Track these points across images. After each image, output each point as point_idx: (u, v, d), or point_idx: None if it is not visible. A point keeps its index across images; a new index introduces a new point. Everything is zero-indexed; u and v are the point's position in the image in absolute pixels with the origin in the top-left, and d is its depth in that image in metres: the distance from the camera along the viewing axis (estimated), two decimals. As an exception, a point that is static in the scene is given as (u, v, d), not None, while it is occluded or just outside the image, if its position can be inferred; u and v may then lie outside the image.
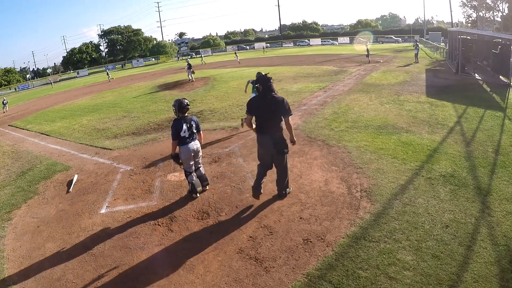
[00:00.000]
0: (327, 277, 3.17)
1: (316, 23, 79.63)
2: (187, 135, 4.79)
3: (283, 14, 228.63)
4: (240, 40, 79.07)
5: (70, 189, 5.96)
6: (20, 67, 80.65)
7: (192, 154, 4.90)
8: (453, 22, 37.96)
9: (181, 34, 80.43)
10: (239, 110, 10.86)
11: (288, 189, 4.80)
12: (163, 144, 7.99)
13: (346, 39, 57.70)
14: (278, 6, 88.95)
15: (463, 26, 47.26)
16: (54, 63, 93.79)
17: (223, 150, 7.01)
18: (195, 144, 4.91)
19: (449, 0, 59.30)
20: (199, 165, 5.13)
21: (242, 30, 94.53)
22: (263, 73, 4.53)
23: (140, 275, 3.52)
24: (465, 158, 5.46)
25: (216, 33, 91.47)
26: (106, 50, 71.66)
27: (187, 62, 21.28)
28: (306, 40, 60.93)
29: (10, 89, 53.09)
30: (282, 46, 61.12)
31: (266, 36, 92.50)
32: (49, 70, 79.12)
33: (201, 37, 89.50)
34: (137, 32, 70.00)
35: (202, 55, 43.56)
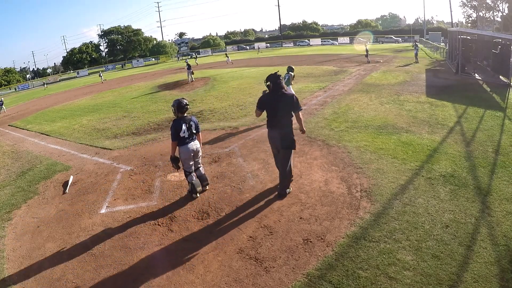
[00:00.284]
0: (327, 277, 3.17)
1: (316, 23, 79.69)
2: (186, 135, 4.78)
3: (283, 14, 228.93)
4: (240, 40, 79.10)
5: (67, 190, 5.95)
6: (20, 67, 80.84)
7: (192, 154, 4.90)
8: (453, 22, 37.99)
9: (181, 34, 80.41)
10: (239, 110, 10.86)
11: (288, 190, 4.82)
12: (163, 144, 7.99)
13: (346, 39, 57.70)
14: (278, 6, 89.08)
15: (463, 26, 47.27)
16: (54, 63, 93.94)
17: (223, 150, 7.01)
18: (194, 145, 4.90)
19: (449, 0, 59.35)
20: (199, 165, 5.13)
21: (242, 30, 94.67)
22: (276, 72, 4.71)
23: (140, 275, 3.52)
24: (465, 158, 5.46)
25: (216, 33, 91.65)
26: (106, 50, 71.74)
27: (186, 62, 21.12)
28: (306, 40, 60.95)
29: (10, 89, 53.09)
30: (282, 46, 61.12)
31: (266, 36, 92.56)
32: (49, 70, 79.20)
33: (201, 37, 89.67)
34: (137, 32, 70.04)
35: (196, 56, 43.42)
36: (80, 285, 3.48)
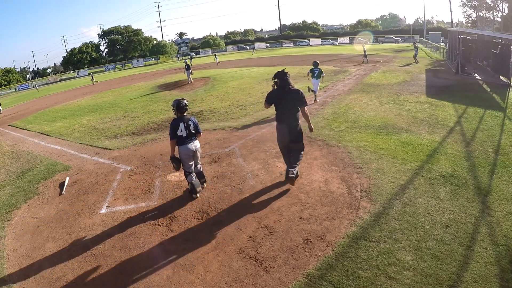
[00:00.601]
0: (327, 277, 3.17)
1: (316, 23, 79.67)
2: (184, 135, 4.78)
3: (283, 14, 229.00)
4: (240, 40, 79.08)
5: (63, 191, 5.95)
6: (20, 67, 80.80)
7: (191, 154, 4.91)
8: (453, 22, 37.96)
9: (181, 34, 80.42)
10: (239, 110, 10.86)
11: (297, 170, 4.87)
12: (163, 144, 7.99)
13: (346, 39, 57.69)
14: (278, 6, 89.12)
15: (463, 26, 47.28)
16: (54, 63, 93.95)
17: (223, 150, 7.01)
18: (193, 145, 4.91)
19: (449, 0, 59.30)
20: (198, 164, 5.16)
21: (242, 30, 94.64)
22: (283, 69, 4.94)
23: (140, 275, 3.52)
24: (465, 158, 5.46)
25: (216, 33, 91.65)
26: (106, 50, 71.72)
27: (185, 63, 20.68)
28: (306, 40, 60.95)
29: (10, 89, 53.08)
30: (282, 46, 61.13)
31: (266, 36, 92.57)
32: (49, 70, 79.18)
33: (201, 37, 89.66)
34: (137, 32, 70.03)
35: (191, 57, 43.29)
36: (80, 285, 3.48)
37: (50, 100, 23.93)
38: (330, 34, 75.67)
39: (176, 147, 4.85)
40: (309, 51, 40.45)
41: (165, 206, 4.90)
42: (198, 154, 5.05)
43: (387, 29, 70.37)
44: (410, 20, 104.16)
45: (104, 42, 71.40)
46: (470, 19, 52.26)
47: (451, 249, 3.35)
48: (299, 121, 4.84)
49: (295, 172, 4.78)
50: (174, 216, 4.59)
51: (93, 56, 69.56)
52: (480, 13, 49.25)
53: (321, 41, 58.36)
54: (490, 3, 48.04)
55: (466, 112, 8.26)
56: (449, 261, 3.19)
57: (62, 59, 74.34)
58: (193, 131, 4.87)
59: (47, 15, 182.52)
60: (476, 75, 13.83)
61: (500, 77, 12.66)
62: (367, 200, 4.41)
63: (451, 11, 67.94)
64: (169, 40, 75.96)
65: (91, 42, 71.49)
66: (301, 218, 4.19)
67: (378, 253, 3.40)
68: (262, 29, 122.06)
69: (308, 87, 11.02)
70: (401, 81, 13.45)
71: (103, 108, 15.22)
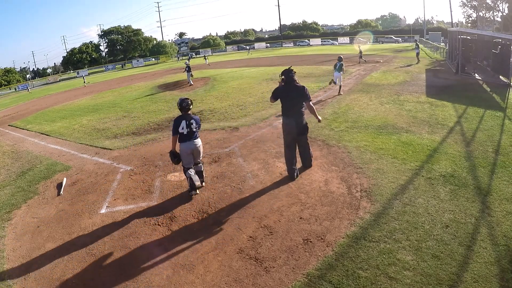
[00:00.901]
0: (327, 277, 3.17)
1: (316, 23, 79.64)
2: (185, 132, 4.86)
3: (283, 14, 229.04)
4: (240, 40, 79.06)
5: (61, 192, 5.94)
6: (20, 67, 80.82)
7: (191, 152, 4.97)
8: (453, 22, 37.94)
9: (181, 34, 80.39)
10: (239, 110, 10.85)
11: (312, 159, 5.56)
12: (163, 144, 7.99)
13: (346, 39, 57.65)
14: (278, 6, 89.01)
15: (463, 26, 47.25)
16: (54, 63, 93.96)
17: (223, 150, 7.01)
18: (194, 143, 4.95)
19: (449, 0, 59.28)
20: (199, 162, 5.19)
21: (242, 30, 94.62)
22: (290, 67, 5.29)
23: (140, 275, 3.52)
24: (465, 158, 5.46)
25: (216, 33, 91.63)
26: (106, 50, 71.69)
27: (186, 64, 20.20)
28: (306, 40, 60.92)
29: (10, 89, 53.07)
30: (282, 46, 61.13)
31: (266, 36, 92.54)
32: (49, 70, 79.22)
33: (201, 37, 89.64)
34: (137, 32, 70.00)
35: (190, 57, 43.19)
36: (80, 285, 3.48)
37: (50, 100, 23.92)
38: (330, 34, 75.65)
39: (178, 143, 4.93)
40: (309, 51, 40.44)
41: (165, 206, 4.90)
42: (199, 151, 5.10)
43: (387, 29, 70.35)
44: (410, 20, 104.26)
45: (104, 42, 71.39)
46: (470, 19, 52.27)
47: (451, 249, 3.35)
48: (305, 115, 5.18)
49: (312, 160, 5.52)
50: (174, 216, 4.59)
51: (93, 56, 69.54)
52: (480, 13, 49.24)
53: (321, 41, 58.32)
54: (490, 3, 48.05)
55: (466, 112, 8.26)
56: (449, 261, 3.19)
57: (62, 59, 74.43)
58: (195, 130, 4.93)
59: (47, 15, 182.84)
60: (476, 75, 13.83)
61: (500, 77, 12.66)
62: (367, 200, 4.41)
63: (451, 11, 68.02)
64: (169, 40, 76.05)
65: (91, 42, 71.54)
66: (301, 218, 4.19)
67: (378, 253, 3.40)
68: (262, 29, 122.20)
69: (332, 79, 12.08)
70: (401, 81, 13.45)
71: (103, 108, 15.22)
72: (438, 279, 2.99)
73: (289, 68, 5.21)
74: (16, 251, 4.26)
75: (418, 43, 22.47)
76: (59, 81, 54.40)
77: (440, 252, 3.32)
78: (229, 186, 5.26)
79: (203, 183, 5.29)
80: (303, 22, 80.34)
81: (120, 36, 69.01)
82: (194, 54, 58.58)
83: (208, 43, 71.13)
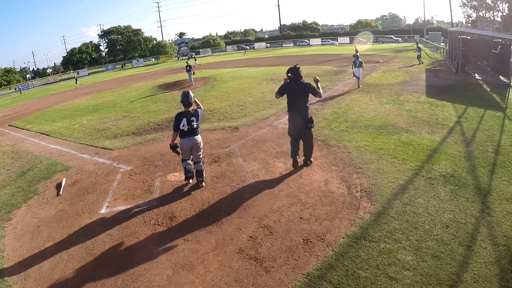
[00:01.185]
0: (327, 277, 3.17)
1: (316, 23, 79.64)
2: (186, 129, 5.01)
3: (283, 14, 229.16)
4: (240, 40, 79.05)
5: (60, 192, 5.94)
6: (20, 67, 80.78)
7: (191, 147, 5.13)
8: (453, 22, 37.94)
9: (181, 34, 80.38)
10: (239, 110, 10.85)
11: (311, 160, 5.68)
12: (163, 144, 7.99)
13: (346, 39, 57.63)
14: (278, 6, 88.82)
15: (463, 26, 47.25)
16: (54, 63, 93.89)
17: (223, 150, 7.01)
18: (194, 139, 5.10)
19: (449, 0, 59.30)
20: (199, 159, 5.25)
21: (242, 30, 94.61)
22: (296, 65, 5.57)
23: (140, 275, 3.52)
24: (465, 158, 5.46)
25: (216, 33, 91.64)
26: (106, 50, 71.70)
27: (187, 63, 20.16)
28: (306, 40, 60.91)
29: (10, 89, 53.06)
30: (282, 46, 61.11)
31: (266, 36, 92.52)
32: (49, 70, 79.18)
33: (201, 37, 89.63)
34: (137, 32, 70.01)
35: (189, 57, 43.13)
36: (80, 285, 3.48)
37: (50, 100, 23.92)
38: (330, 34, 75.64)
39: (178, 138, 5.13)
40: (309, 51, 40.45)
41: (165, 206, 4.89)
42: (199, 148, 5.22)
43: (387, 29, 70.33)
44: (410, 20, 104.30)
45: (104, 42, 71.40)
46: (470, 19, 52.27)
47: (451, 249, 3.35)
48: (309, 110, 5.44)
49: (311, 161, 5.67)
50: (174, 216, 4.59)
51: (93, 56, 69.55)
52: (480, 13, 49.25)
53: (321, 41, 58.29)
54: (490, 3, 48.05)
55: (466, 112, 8.26)
56: (449, 261, 3.19)
57: (62, 59, 74.44)
58: (195, 127, 5.08)
59: (47, 15, 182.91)
60: (476, 75, 13.83)
61: (500, 77, 12.66)
62: (367, 200, 4.41)
63: (451, 11, 68.03)
64: (169, 40, 76.02)
65: (91, 42, 71.56)
66: (301, 218, 4.19)
67: (378, 253, 3.40)
68: (262, 29, 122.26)
69: (353, 72, 12.90)
70: (401, 81, 13.45)
71: (103, 108, 15.22)
72: (438, 279, 2.99)
73: (295, 66, 5.47)
74: (16, 251, 4.26)
75: (419, 45, 22.32)
76: (59, 81, 54.39)
77: (440, 252, 3.32)
78: (229, 186, 5.26)
79: (203, 183, 5.30)
80: (303, 22, 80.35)
81: (120, 36, 69.02)
82: (194, 54, 58.50)
83: (208, 43, 71.10)
